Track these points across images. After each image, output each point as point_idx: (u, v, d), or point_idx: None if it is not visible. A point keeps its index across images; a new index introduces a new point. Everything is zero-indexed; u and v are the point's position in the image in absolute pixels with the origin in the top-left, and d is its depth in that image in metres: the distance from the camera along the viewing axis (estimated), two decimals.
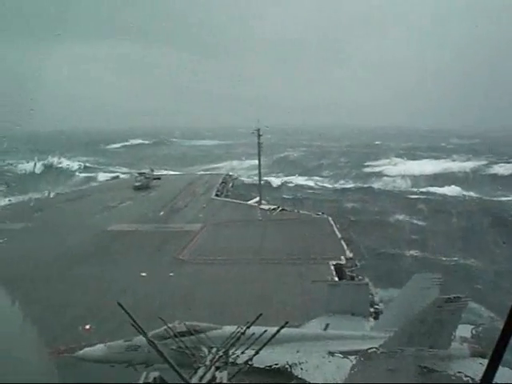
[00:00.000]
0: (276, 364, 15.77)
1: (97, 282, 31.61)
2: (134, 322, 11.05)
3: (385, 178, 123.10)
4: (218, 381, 10.32)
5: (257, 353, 12.05)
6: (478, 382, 10.70)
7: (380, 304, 27.40)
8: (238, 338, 13.80)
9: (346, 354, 16.33)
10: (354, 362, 14.66)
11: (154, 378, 9.46)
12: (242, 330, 14.09)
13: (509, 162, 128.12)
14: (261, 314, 13.27)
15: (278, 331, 12.51)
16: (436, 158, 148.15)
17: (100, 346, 17.09)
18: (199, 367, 11.52)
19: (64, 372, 16.68)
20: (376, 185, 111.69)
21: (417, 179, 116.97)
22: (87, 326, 23.94)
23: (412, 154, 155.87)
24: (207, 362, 12.20)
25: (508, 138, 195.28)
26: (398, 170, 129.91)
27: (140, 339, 14.24)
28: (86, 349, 17.27)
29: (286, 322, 12.75)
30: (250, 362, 12.57)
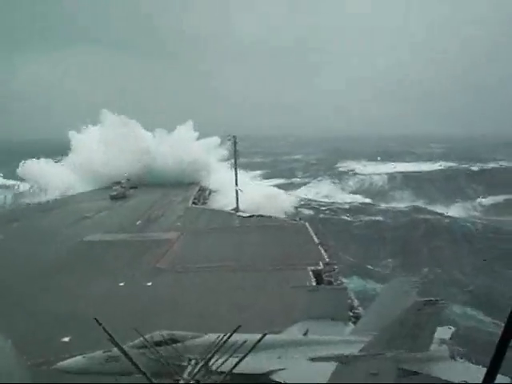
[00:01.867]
0: (257, 371, 15.77)
1: (73, 293, 31.19)
2: (110, 335, 10.97)
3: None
4: None
5: (238, 362, 12.03)
6: (457, 383, 10.79)
7: (359, 308, 27.52)
8: (218, 349, 13.77)
9: (326, 359, 16.40)
10: (335, 367, 14.73)
11: None
12: (222, 340, 14.06)
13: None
14: (239, 326, 13.28)
15: (259, 341, 12.52)
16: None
17: (79, 358, 16.90)
18: (178, 380, 11.45)
19: None
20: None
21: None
22: (66, 339, 23.64)
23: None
24: (186, 375, 12.14)
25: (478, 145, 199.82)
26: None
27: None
28: (66, 361, 17.06)
29: (266, 333, 12.78)
30: (228, 371, 12.54)
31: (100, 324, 11.04)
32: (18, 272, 36.65)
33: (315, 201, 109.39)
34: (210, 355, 13.41)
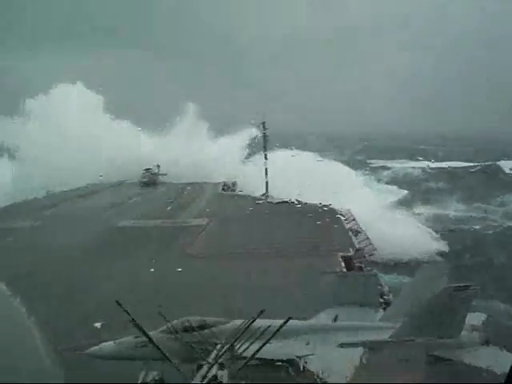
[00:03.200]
0: (285, 357, 15.79)
1: (105, 279, 31.67)
2: (133, 320, 11.06)
3: None
4: (219, 379, 10.25)
5: (261, 347, 12.02)
6: (487, 369, 10.62)
7: (389, 294, 27.29)
8: (242, 333, 13.78)
9: (356, 345, 16.33)
10: (364, 353, 14.67)
11: (154, 378, 9.40)
12: (247, 325, 14.07)
13: None
14: (263, 311, 13.26)
15: (283, 325, 12.49)
16: None
17: (110, 343, 17.18)
18: (202, 365, 11.51)
19: (74, 369, 16.88)
20: None
21: None
22: (97, 324, 24.01)
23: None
24: (211, 359, 12.18)
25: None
26: None
27: (151, 335, 14.28)
28: (97, 346, 17.36)
29: (290, 318, 12.73)
30: (258, 356, 12.55)
31: (122, 307, 11.13)
32: (52, 257, 37.30)
33: None
34: (234, 339, 13.45)
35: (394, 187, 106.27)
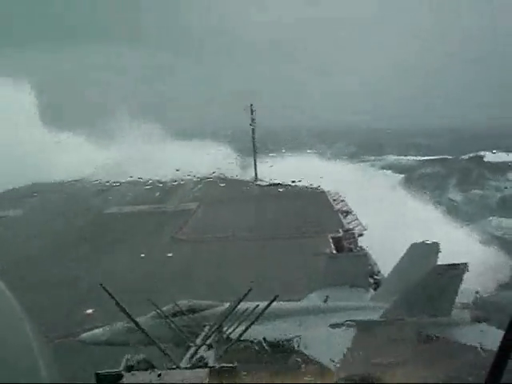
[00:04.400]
0: (276, 338, 15.79)
1: (94, 266, 31.53)
2: (118, 304, 10.90)
3: None
4: (205, 360, 10.17)
5: (248, 327, 11.96)
6: (480, 346, 10.63)
7: (380, 274, 27.38)
8: (230, 313, 13.71)
9: (347, 325, 16.36)
10: (356, 333, 14.67)
11: (138, 362, 9.25)
12: (234, 305, 14.01)
13: None
14: (250, 289, 13.17)
15: (270, 304, 12.43)
16: None
17: (101, 330, 17.13)
18: (190, 347, 11.44)
19: (65, 356, 16.78)
20: None
21: None
22: (89, 311, 23.92)
23: None
24: (198, 341, 12.13)
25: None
26: None
27: (141, 320, 14.22)
28: (88, 332, 17.32)
29: (276, 296, 12.67)
30: (248, 338, 12.51)
31: (107, 291, 10.97)
32: (37, 245, 37.11)
33: None
34: (222, 320, 13.39)
35: (389, 171, 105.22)
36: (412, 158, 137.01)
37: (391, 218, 42.33)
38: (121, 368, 8.87)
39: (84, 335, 17.31)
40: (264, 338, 15.26)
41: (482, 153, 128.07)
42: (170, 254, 33.99)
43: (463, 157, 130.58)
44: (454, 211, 64.32)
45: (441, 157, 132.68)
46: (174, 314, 16.06)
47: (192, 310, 16.61)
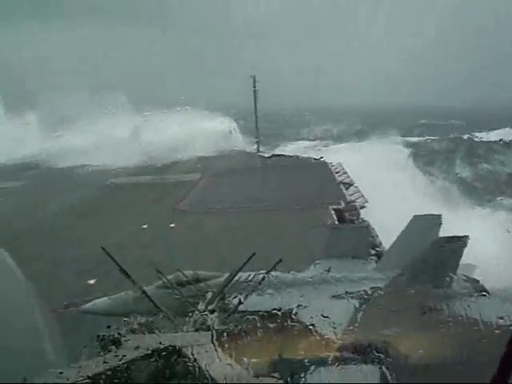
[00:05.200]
0: (278, 308, 15.86)
1: (97, 236, 31.57)
2: (121, 268, 10.87)
3: None
4: (208, 324, 10.24)
5: (248, 295, 12.01)
6: (489, 320, 10.58)
7: (382, 245, 27.45)
8: (233, 278, 13.73)
9: (349, 296, 16.42)
10: (358, 304, 14.72)
11: (139, 324, 9.29)
12: (238, 271, 14.02)
13: None
14: (254, 254, 13.15)
15: (273, 268, 12.45)
16: None
17: (104, 299, 17.19)
18: (193, 312, 11.50)
19: (68, 325, 16.92)
20: None
21: None
22: (91, 281, 24.05)
23: None
24: (201, 307, 12.19)
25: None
26: None
27: (146, 289, 14.28)
28: (91, 302, 17.40)
29: (280, 260, 12.67)
30: (250, 308, 12.53)
31: (109, 255, 10.95)
32: (40, 217, 37.20)
33: None
34: (224, 285, 13.43)
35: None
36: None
37: (394, 193, 42.50)
38: (122, 331, 8.89)
39: (86, 305, 17.37)
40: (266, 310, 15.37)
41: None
42: (172, 225, 34.12)
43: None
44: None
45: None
46: (179, 284, 16.12)
47: (195, 280, 16.66)
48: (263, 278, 13.89)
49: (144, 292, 10.89)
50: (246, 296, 12.04)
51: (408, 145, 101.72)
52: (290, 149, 79.88)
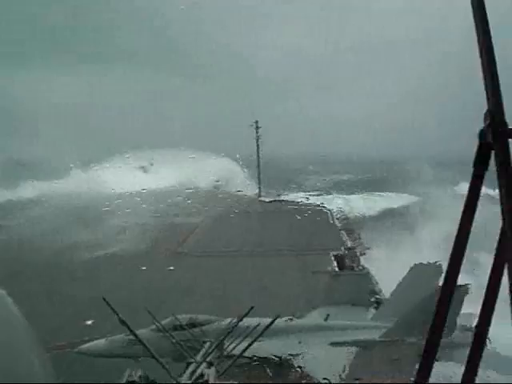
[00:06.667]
0: (277, 355, 15.74)
1: (97, 278, 31.51)
2: (119, 317, 10.90)
3: None
4: (205, 378, 10.11)
5: (249, 345, 11.91)
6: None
7: (381, 293, 27.27)
8: (232, 330, 13.66)
9: (347, 344, 16.30)
10: (356, 353, 14.61)
11: (139, 377, 9.23)
12: (236, 322, 13.98)
13: None
14: (252, 307, 13.13)
15: (271, 323, 12.40)
16: None
17: (101, 341, 17.13)
18: (190, 363, 11.39)
19: (64, 367, 16.73)
20: None
21: None
22: (89, 322, 23.87)
23: None
24: (199, 357, 12.06)
25: None
26: None
27: (141, 333, 14.20)
28: (87, 344, 17.30)
29: (278, 316, 12.64)
30: (249, 354, 12.46)
31: (109, 305, 10.98)
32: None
33: None
34: (223, 337, 13.37)
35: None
36: None
37: None
38: (123, 382, 8.88)
39: (83, 346, 17.28)
40: (264, 357, 15.25)
41: None
42: (171, 268, 33.98)
43: None
44: None
45: None
46: (174, 328, 16.03)
47: (190, 325, 16.58)
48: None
49: (141, 341, 10.82)
50: (246, 348, 11.96)
51: None
52: (292, 196, 79.77)
